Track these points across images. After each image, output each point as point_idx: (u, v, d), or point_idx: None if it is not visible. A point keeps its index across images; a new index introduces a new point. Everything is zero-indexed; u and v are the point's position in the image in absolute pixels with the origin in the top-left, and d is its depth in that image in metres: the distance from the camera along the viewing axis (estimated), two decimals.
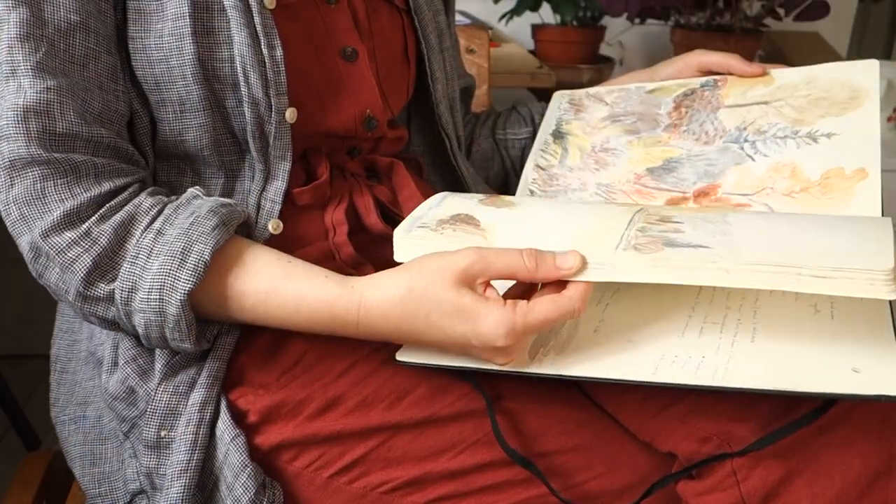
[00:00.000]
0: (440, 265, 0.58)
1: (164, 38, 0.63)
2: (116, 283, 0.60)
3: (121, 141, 0.64)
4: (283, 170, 0.68)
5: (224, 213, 0.62)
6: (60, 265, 0.60)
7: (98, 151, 0.62)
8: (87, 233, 0.60)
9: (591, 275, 0.58)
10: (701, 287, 0.67)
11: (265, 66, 0.65)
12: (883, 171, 0.72)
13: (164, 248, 0.60)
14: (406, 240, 0.63)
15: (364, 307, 0.59)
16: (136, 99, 0.66)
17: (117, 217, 0.61)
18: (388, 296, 0.59)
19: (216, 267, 0.61)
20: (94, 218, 0.60)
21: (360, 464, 0.63)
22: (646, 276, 0.56)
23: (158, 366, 0.65)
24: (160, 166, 0.69)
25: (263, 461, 0.63)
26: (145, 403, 0.65)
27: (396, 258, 0.63)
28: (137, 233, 0.61)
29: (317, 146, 0.74)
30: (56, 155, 0.59)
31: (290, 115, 0.67)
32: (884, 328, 0.58)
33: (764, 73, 0.83)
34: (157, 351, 0.65)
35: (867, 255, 0.53)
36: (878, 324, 0.59)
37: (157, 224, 0.61)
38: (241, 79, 0.65)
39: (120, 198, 0.62)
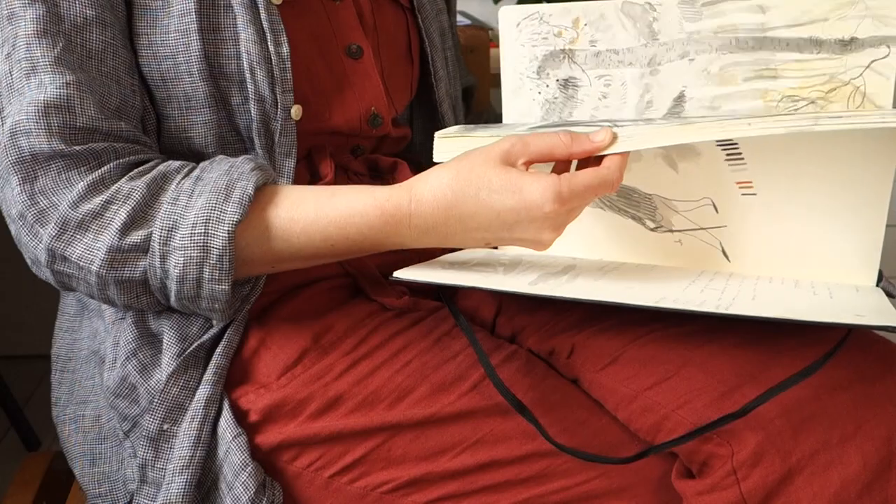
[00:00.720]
0: (482, 151, 0.60)
1: (171, 34, 0.64)
2: (155, 224, 0.59)
3: (139, 133, 0.64)
4: (288, 167, 0.68)
5: (260, 162, 0.63)
6: (96, 228, 0.59)
7: (118, 141, 0.62)
8: (118, 190, 0.59)
9: (623, 145, 0.60)
10: (702, 272, 0.68)
11: (272, 63, 0.65)
12: None
13: (207, 187, 0.60)
14: (445, 139, 0.66)
15: (415, 199, 0.60)
16: (145, 95, 0.66)
17: (148, 176, 0.61)
18: (438, 182, 0.60)
19: (259, 202, 0.61)
20: (123, 179, 0.60)
21: (361, 464, 0.63)
22: (673, 137, 0.59)
23: (166, 358, 0.65)
24: None
25: (264, 461, 0.63)
26: (147, 401, 0.65)
27: (436, 158, 0.66)
28: (173, 184, 0.61)
29: (321, 145, 0.74)
30: (77, 148, 0.59)
31: (296, 112, 0.68)
32: (883, 307, 0.58)
33: None
34: (165, 343, 0.65)
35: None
36: (877, 302, 0.59)
37: (194, 173, 0.62)
38: (248, 75, 0.65)
39: (146, 165, 0.62)
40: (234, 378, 0.65)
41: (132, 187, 0.60)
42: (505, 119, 0.80)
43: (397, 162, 0.80)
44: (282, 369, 0.65)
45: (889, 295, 0.64)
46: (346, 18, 0.74)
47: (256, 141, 0.67)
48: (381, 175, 0.80)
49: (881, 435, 0.57)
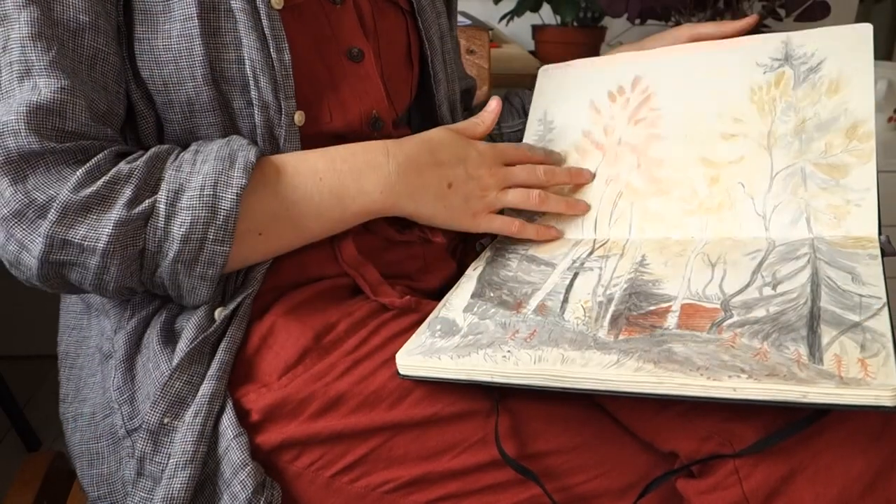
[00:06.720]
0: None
1: (173, 39, 0.63)
2: (161, 190, 0.60)
3: (122, 141, 0.65)
4: None
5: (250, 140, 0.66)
6: (100, 209, 0.59)
7: (104, 145, 0.62)
8: (119, 171, 0.60)
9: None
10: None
11: (274, 70, 0.65)
12: (883, 171, 0.71)
13: (210, 156, 0.62)
14: (408, 361, 0.63)
15: (396, 139, 0.71)
16: (141, 100, 0.66)
17: (145, 156, 0.62)
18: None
19: (260, 170, 0.64)
20: (120, 164, 0.61)
21: (362, 463, 0.63)
22: (647, 385, 0.55)
23: (180, 346, 0.64)
24: None
25: (265, 461, 0.63)
26: (152, 395, 0.64)
27: (401, 371, 0.64)
28: (173, 156, 0.63)
29: (322, 146, 0.74)
30: (67, 144, 0.60)
31: (299, 118, 0.68)
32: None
33: (757, 21, 0.85)
34: (180, 333, 0.65)
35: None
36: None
37: (192, 148, 0.64)
38: (251, 82, 0.65)
39: (137, 153, 0.63)
40: (237, 377, 0.65)
41: (132, 167, 0.60)
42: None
43: None
44: (283, 369, 0.65)
45: (886, 254, 0.64)
46: (347, 21, 0.74)
47: (261, 145, 0.67)
48: None
49: (883, 435, 0.56)
